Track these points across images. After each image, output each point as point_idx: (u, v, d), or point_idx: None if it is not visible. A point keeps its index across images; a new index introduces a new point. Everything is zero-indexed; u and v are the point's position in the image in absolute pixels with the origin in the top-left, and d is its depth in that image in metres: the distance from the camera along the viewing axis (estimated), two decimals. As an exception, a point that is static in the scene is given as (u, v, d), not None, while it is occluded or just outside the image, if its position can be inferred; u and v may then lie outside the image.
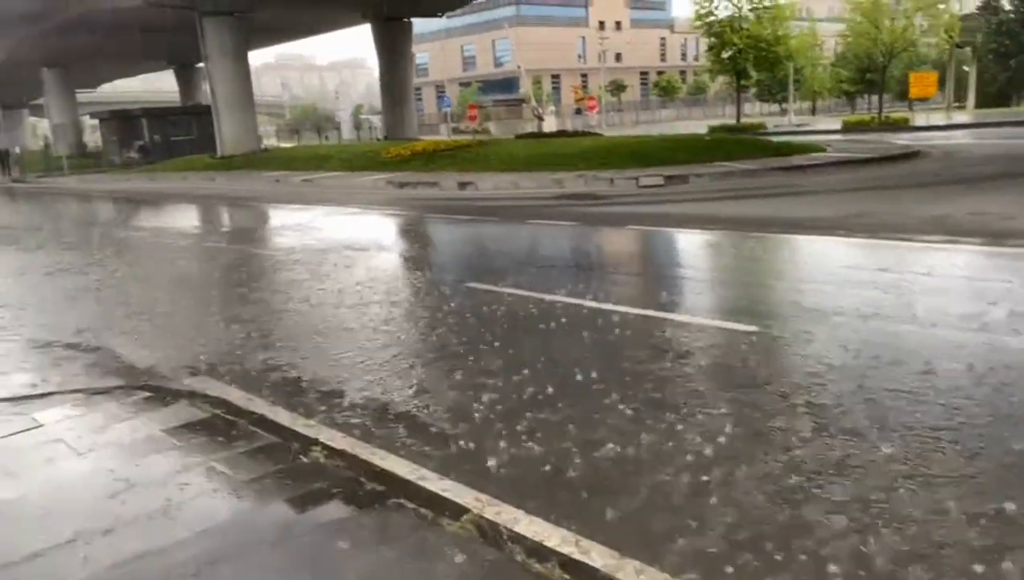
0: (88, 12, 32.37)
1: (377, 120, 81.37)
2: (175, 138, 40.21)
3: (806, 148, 19.97)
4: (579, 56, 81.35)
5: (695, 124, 44.38)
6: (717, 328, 5.65)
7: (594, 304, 6.47)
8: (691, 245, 9.77)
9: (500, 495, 3.18)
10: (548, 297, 6.85)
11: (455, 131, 62.35)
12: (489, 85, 75.95)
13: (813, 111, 61.10)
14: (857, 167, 16.95)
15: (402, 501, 3.15)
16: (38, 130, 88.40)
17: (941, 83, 45.52)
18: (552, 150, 21.38)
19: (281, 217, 15.72)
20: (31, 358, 5.98)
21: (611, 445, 3.67)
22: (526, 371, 4.79)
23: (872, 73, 47.75)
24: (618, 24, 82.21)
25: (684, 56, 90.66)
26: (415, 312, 6.88)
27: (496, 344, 5.51)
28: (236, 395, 4.46)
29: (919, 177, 14.62)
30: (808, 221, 10.25)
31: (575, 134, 27.36)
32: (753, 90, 55.96)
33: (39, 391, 4.83)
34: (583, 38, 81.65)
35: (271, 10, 31.73)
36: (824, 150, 19.80)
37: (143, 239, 14.25)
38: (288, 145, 49.67)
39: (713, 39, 37.81)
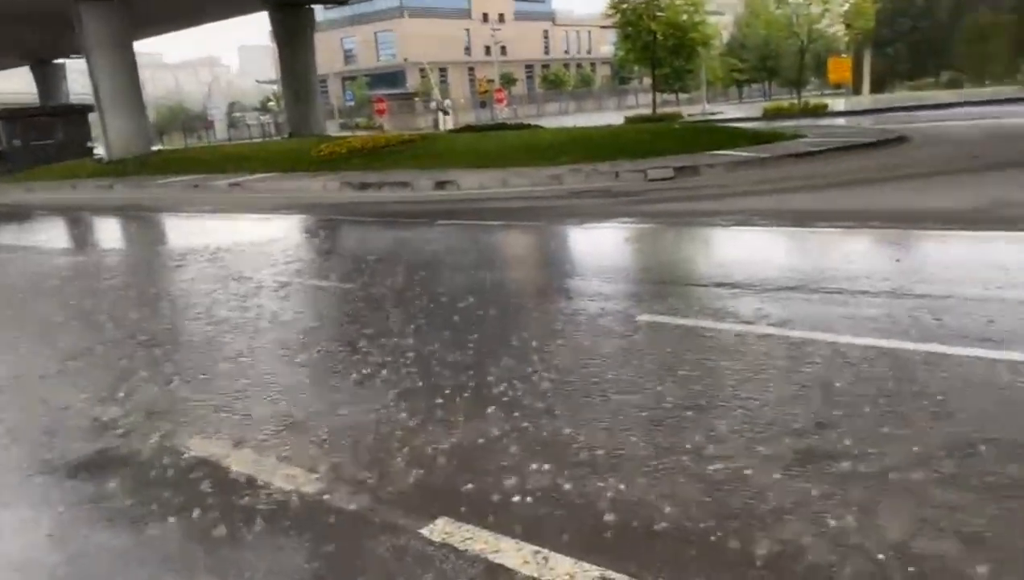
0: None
1: (253, 118, 76.95)
2: (36, 142, 35.54)
3: (778, 136, 19.10)
4: (466, 49, 79.55)
5: (605, 116, 43.54)
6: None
7: (802, 334, 4.85)
8: (859, 248, 8.16)
9: None
10: (746, 328, 5.25)
11: (344, 126, 59.31)
12: (374, 79, 72.93)
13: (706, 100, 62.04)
14: (864, 152, 16.10)
15: None
16: None
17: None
18: (515, 143, 19.63)
19: (260, 229, 13.13)
20: None
21: None
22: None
23: (771, 60, 48.59)
24: (501, 16, 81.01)
25: (567, 49, 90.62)
26: (605, 354, 4.94)
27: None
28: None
29: (948, 161, 13.91)
30: (937, 214, 9.00)
31: (518, 127, 25.65)
32: (647, 81, 55.94)
33: None
34: (467, 31, 79.94)
35: (159, -6, 28.20)
36: (800, 137, 18.96)
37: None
38: (176, 147, 45.46)
39: (628, 27, 37.08)
